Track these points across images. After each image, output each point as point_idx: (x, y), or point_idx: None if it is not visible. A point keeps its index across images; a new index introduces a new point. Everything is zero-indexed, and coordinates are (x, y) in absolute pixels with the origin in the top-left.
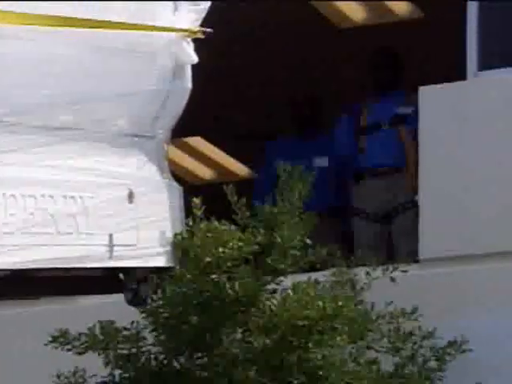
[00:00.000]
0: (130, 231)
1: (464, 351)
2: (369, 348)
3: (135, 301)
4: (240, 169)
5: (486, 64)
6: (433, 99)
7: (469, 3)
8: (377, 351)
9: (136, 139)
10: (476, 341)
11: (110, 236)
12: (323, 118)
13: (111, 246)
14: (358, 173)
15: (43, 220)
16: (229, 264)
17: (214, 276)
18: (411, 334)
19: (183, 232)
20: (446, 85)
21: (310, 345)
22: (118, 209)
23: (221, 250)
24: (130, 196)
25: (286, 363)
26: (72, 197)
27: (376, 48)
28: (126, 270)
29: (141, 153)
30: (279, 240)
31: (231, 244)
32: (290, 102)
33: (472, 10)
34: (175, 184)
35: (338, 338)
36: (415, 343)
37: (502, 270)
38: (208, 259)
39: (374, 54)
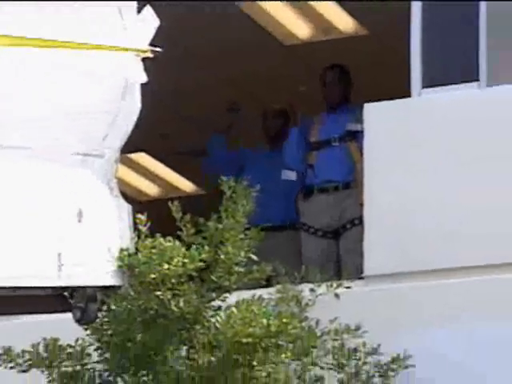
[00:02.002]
0: (79, 250)
1: (407, 367)
2: (313, 365)
3: (83, 319)
4: (186, 185)
5: (430, 81)
6: (377, 116)
7: (412, 20)
8: (321, 368)
9: (85, 158)
10: (420, 357)
11: (59, 255)
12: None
13: (60, 265)
14: (307, 188)
15: None
16: (173, 281)
17: (158, 293)
18: (356, 350)
19: (130, 249)
20: (390, 102)
21: (255, 362)
22: (67, 228)
23: (165, 266)
24: (80, 215)
25: (231, 380)
26: (21, 216)
27: (326, 65)
28: (75, 289)
29: (90, 171)
30: (223, 257)
31: (176, 260)
32: (261, 114)
33: (415, 28)
34: (124, 202)
35: (283, 355)
36: (359, 359)
37: (445, 286)
38: (153, 276)
39: (324, 71)
